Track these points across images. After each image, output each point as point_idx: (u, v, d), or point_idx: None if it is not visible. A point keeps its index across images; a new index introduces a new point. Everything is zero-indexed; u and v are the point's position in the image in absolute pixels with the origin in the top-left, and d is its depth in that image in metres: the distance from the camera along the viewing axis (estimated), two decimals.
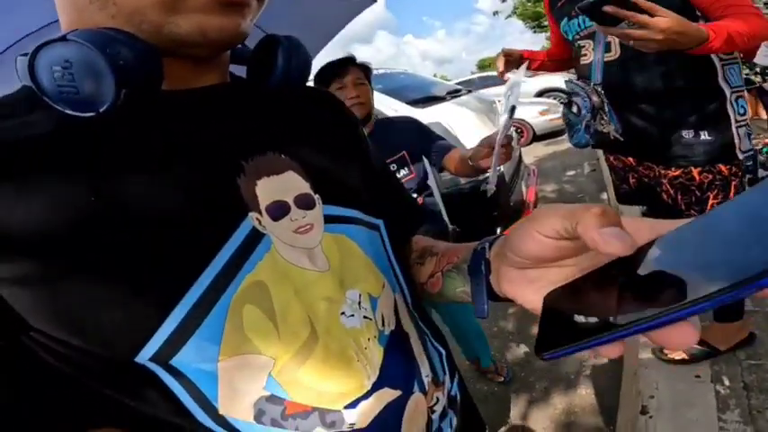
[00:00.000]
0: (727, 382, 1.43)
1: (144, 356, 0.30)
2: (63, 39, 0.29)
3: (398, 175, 1.38)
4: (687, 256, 0.21)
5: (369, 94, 1.38)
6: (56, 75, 0.29)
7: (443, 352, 0.51)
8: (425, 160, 1.43)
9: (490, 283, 0.37)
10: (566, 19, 1.36)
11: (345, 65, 1.34)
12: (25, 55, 0.29)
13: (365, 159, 0.52)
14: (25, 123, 0.31)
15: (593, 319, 0.23)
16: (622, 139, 1.30)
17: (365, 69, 1.38)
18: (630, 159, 1.42)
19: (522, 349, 2.08)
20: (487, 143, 1.14)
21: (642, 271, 0.22)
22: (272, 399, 0.34)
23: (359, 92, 1.33)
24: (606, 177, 3.84)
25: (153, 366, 0.30)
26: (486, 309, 0.38)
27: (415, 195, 1.42)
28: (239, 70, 0.45)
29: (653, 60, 1.18)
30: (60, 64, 0.29)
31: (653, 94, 1.23)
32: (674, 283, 0.20)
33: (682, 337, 0.20)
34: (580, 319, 0.24)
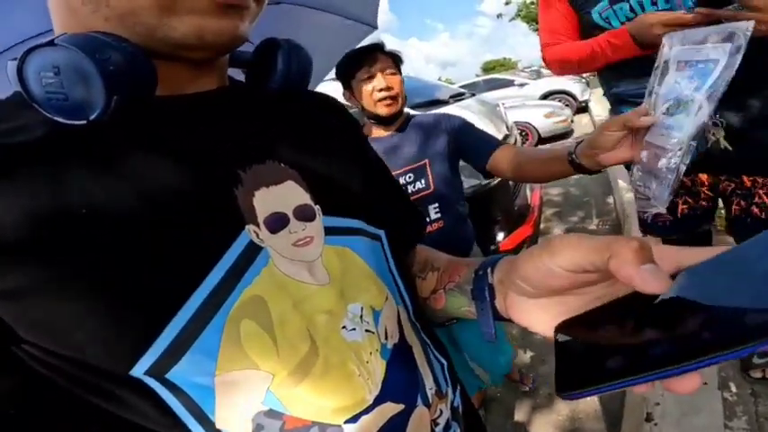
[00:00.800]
0: (734, 389, 1.41)
1: (139, 370, 0.29)
2: (51, 43, 0.28)
3: (413, 188, 1.18)
4: (718, 292, 0.20)
5: (401, 86, 1.16)
6: (44, 81, 0.28)
7: (445, 363, 0.50)
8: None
9: (495, 306, 0.37)
10: (604, 3, 1.06)
11: (373, 52, 1.13)
12: (15, 60, 0.28)
13: (367, 165, 0.50)
14: (16, 129, 0.30)
15: (617, 359, 0.22)
16: (731, 148, 1.01)
17: (395, 58, 1.17)
18: (703, 176, 1.18)
19: (528, 354, 2.07)
20: (624, 123, 0.68)
21: (668, 307, 0.22)
22: (271, 413, 0.33)
23: (389, 83, 1.12)
24: (612, 179, 3.81)
25: (148, 380, 0.30)
26: (494, 332, 0.38)
27: (437, 212, 1.19)
28: (239, 74, 0.44)
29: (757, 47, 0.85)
30: (49, 70, 0.28)
31: (758, 89, 0.97)
32: (704, 323, 0.19)
33: (691, 383, 0.20)
34: (604, 357, 0.23)
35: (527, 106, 6.84)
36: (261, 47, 0.42)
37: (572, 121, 6.95)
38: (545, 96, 8.45)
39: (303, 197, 0.38)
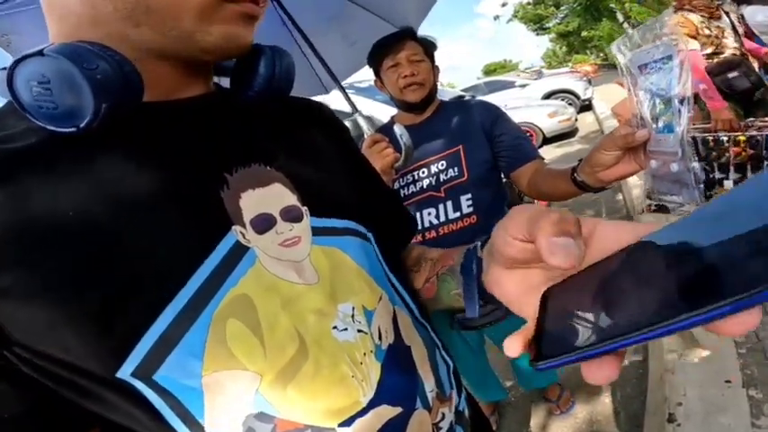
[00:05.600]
0: (759, 386, 1.35)
1: (125, 371, 0.29)
2: (40, 53, 0.29)
3: (445, 176, 1.12)
4: (689, 254, 0.19)
5: (429, 73, 1.13)
6: (34, 90, 0.29)
7: (451, 364, 0.49)
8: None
9: (482, 283, 0.35)
10: None
11: (400, 40, 1.11)
12: (5, 69, 0.29)
13: (355, 168, 0.51)
14: (8, 137, 0.31)
15: (587, 326, 0.21)
16: None
17: (426, 44, 1.14)
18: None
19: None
20: (619, 144, 0.64)
21: (639, 272, 0.21)
22: (261, 416, 0.33)
23: (414, 69, 1.10)
24: None
25: (135, 382, 0.30)
26: (478, 308, 0.36)
27: (470, 206, 1.11)
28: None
29: None
30: (37, 79, 0.29)
31: None
32: (674, 288, 0.18)
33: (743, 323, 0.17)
34: (573, 326, 0.22)
35: (530, 107, 6.81)
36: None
37: (576, 120, 6.91)
38: (547, 96, 8.42)
39: (290, 198, 0.39)
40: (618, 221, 0.26)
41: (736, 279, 0.15)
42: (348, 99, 1.16)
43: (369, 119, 1.13)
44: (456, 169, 1.12)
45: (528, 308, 0.27)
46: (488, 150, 1.13)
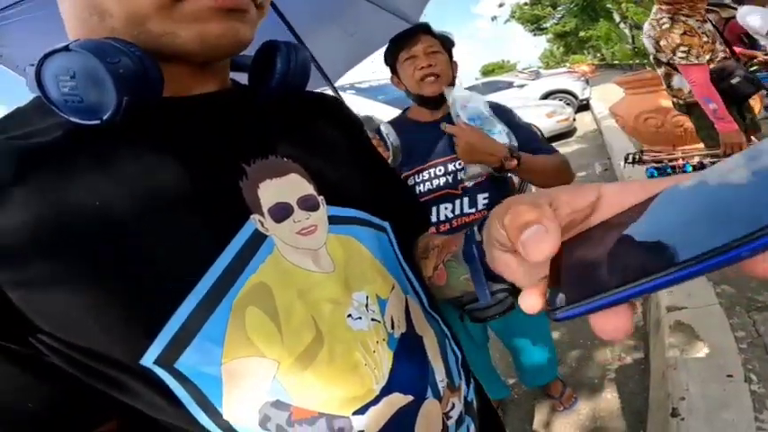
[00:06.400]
0: (761, 381, 1.36)
1: (149, 359, 0.30)
2: (66, 48, 0.30)
3: (463, 175, 1.11)
4: (704, 203, 0.19)
5: (446, 66, 1.11)
6: (61, 84, 0.30)
7: (460, 356, 0.49)
8: None
9: (487, 265, 0.35)
10: None
11: (416, 33, 1.11)
12: (33, 65, 0.30)
13: (369, 160, 0.52)
14: (36, 132, 0.32)
15: (603, 275, 0.21)
16: None
17: (442, 39, 1.13)
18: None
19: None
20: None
21: (653, 222, 0.21)
22: (278, 404, 0.33)
23: (432, 61, 1.08)
24: (618, 176, 3.78)
25: (158, 370, 0.30)
26: (488, 293, 0.36)
27: (486, 204, 1.12)
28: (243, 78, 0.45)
29: None
30: (65, 73, 0.30)
31: None
32: (691, 233, 0.18)
33: None
34: (589, 275, 0.21)
35: (528, 107, 6.82)
36: (261, 50, 0.43)
37: (574, 120, 6.93)
38: (545, 96, 8.44)
39: (307, 188, 0.39)
40: (624, 183, 0.26)
41: (751, 217, 0.15)
42: (334, 90, 1.15)
43: (369, 119, 1.13)
44: (475, 168, 1.12)
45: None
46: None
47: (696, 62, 2.00)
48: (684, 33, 2.01)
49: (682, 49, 2.01)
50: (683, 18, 2.05)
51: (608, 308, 0.20)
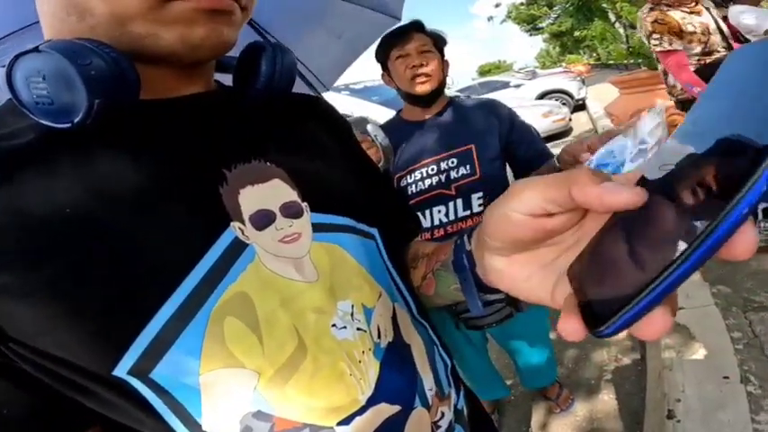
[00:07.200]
0: (757, 382, 1.36)
1: (122, 369, 0.29)
2: (36, 50, 0.29)
3: (455, 174, 1.11)
4: (694, 170, 0.19)
5: (438, 66, 1.10)
6: (32, 86, 0.29)
7: (449, 363, 0.48)
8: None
9: (478, 275, 0.34)
10: None
11: (408, 31, 1.10)
12: (4, 66, 0.30)
13: (357, 164, 0.50)
14: (7, 135, 0.31)
15: (633, 277, 0.19)
16: None
17: (435, 37, 1.12)
18: None
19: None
20: (578, 150, 0.84)
21: (650, 221, 0.20)
22: (259, 415, 0.33)
23: (423, 60, 1.07)
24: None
25: (133, 381, 0.30)
26: (480, 304, 0.35)
27: (480, 204, 1.12)
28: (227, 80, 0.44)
29: None
30: (35, 75, 0.29)
31: None
32: (697, 211, 0.18)
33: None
34: (618, 282, 0.20)
35: (524, 107, 6.82)
36: (246, 51, 0.42)
37: (570, 120, 6.95)
38: (541, 96, 8.46)
39: (290, 194, 0.38)
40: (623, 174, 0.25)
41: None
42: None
43: (363, 120, 1.12)
44: (468, 167, 1.11)
45: (541, 289, 0.26)
46: (499, 150, 1.14)
47: (669, 48, 2.01)
48: (655, 21, 2.02)
49: (654, 36, 2.03)
50: (664, 8, 2.05)
51: (656, 305, 0.18)
